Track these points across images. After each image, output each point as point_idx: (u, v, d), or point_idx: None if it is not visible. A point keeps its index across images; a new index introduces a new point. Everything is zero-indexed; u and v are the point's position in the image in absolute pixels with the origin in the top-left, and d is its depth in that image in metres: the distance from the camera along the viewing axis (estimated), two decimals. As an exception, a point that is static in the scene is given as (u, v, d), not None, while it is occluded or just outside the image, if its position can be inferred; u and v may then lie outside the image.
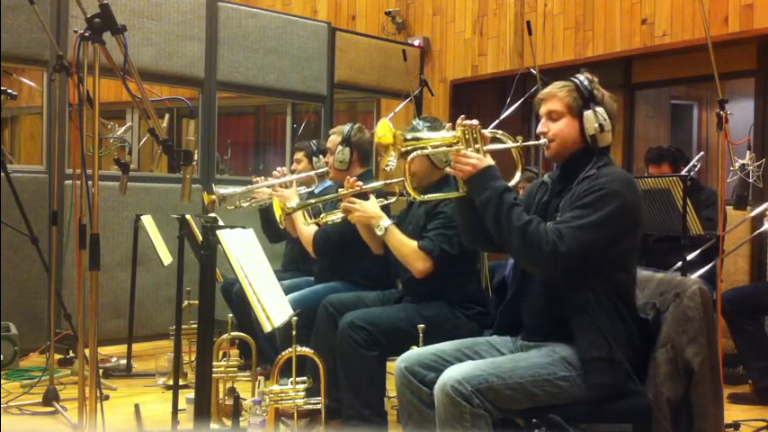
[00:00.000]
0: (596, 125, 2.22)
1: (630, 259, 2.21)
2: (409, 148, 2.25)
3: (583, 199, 2.15)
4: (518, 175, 2.35)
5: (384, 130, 2.27)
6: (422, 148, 2.27)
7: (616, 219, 2.12)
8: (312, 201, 3.28)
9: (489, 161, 2.22)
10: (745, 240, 4.04)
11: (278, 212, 3.55)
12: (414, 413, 2.26)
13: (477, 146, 2.24)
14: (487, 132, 2.28)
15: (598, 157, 2.24)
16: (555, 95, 2.29)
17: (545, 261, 2.10)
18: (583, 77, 2.29)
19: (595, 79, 2.31)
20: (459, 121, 2.27)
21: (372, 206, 3.05)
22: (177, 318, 3.13)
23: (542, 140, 2.30)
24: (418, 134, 2.31)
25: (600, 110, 2.24)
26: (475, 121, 2.26)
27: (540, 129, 2.32)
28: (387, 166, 2.28)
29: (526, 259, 2.20)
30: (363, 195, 3.10)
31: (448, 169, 2.29)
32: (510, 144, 2.33)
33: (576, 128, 2.26)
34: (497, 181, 2.19)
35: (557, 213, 2.23)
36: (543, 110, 2.32)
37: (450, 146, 2.26)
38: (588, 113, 2.23)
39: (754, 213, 3.89)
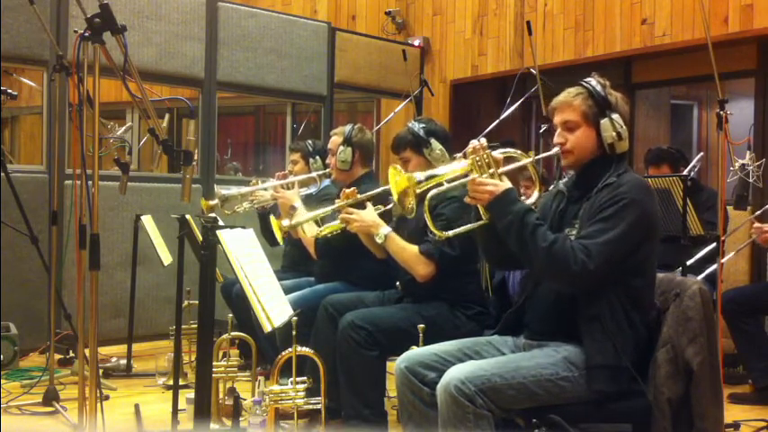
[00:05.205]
0: (614, 133, 2.19)
1: (649, 265, 2.19)
2: (425, 188, 2.23)
3: (606, 210, 2.12)
4: (536, 193, 2.33)
5: (395, 176, 2.25)
6: (437, 185, 2.24)
7: (637, 227, 2.11)
8: (310, 215, 3.28)
9: (506, 184, 2.18)
10: (746, 243, 4.04)
11: (277, 233, 3.58)
12: (414, 413, 2.26)
13: (491, 170, 2.19)
14: (499, 154, 2.24)
15: (617, 164, 2.21)
16: (570, 104, 2.23)
17: (574, 279, 2.09)
18: (595, 82, 2.24)
19: (607, 83, 2.26)
20: (468, 149, 2.23)
21: (370, 215, 3.04)
22: (177, 318, 3.13)
23: (555, 149, 2.26)
24: (430, 173, 2.26)
25: (616, 116, 2.19)
26: (483, 141, 2.21)
27: (556, 139, 2.26)
28: (411, 213, 2.26)
29: (554, 278, 2.18)
30: (360, 204, 3.10)
31: (467, 199, 2.24)
32: (525, 161, 2.30)
33: (593, 137, 2.21)
34: (517, 204, 2.15)
35: (575, 220, 2.21)
36: (558, 119, 2.26)
37: (466, 176, 2.22)
38: (605, 122, 2.19)
39: (758, 213, 3.90)
